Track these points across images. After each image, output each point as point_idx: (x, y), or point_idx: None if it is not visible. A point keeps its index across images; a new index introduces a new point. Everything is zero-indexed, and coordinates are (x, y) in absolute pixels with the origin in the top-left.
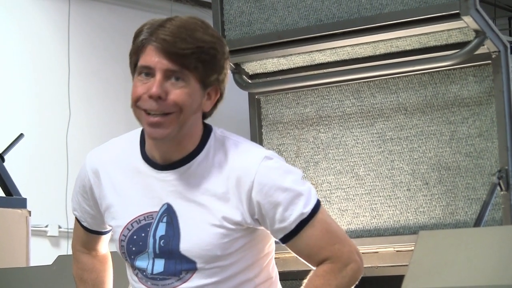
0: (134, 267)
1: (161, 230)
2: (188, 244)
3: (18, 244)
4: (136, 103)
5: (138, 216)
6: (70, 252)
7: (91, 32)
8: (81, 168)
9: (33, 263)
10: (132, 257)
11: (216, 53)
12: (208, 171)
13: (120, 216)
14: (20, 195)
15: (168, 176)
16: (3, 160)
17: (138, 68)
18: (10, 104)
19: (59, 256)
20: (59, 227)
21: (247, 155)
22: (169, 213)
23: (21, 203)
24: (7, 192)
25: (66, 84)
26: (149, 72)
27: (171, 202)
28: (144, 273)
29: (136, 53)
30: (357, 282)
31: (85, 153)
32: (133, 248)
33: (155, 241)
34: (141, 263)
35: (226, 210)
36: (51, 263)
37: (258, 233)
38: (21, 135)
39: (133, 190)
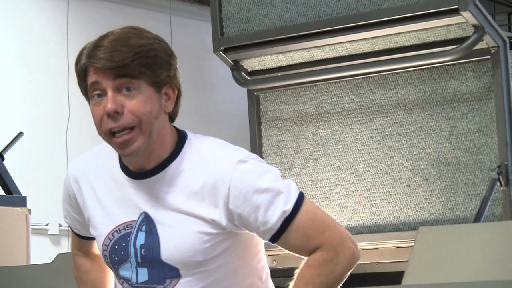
0: (119, 276)
1: (141, 239)
2: (169, 252)
3: (18, 243)
4: (101, 127)
5: (118, 226)
6: (70, 250)
7: (90, 30)
8: (65, 177)
9: (33, 261)
10: (116, 266)
11: (157, 53)
12: (183, 178)
13: (101, 226)
14: (20, 193)
15: (143, 184)
16: (2, 159)
17: (89, 90)
18: (9, 102)
19: (58, 254)
20: (60, 225)
21: (221, 160)
22: (147, 221)
23: (21, 201)
24: (7, 190)
25: (66, 82)
26: (100, 92)
27: (148, 211)
28: (130, 282)
29: (83, 79)
30: (353, 268)
31: (85, 151)
32: (116, 258)
33: (136, 250)
34: (125, 272)
35: (204, 215)
36: (51, 261)
37: (242, 235)
38: (20, 134)
39: (113, 200)
